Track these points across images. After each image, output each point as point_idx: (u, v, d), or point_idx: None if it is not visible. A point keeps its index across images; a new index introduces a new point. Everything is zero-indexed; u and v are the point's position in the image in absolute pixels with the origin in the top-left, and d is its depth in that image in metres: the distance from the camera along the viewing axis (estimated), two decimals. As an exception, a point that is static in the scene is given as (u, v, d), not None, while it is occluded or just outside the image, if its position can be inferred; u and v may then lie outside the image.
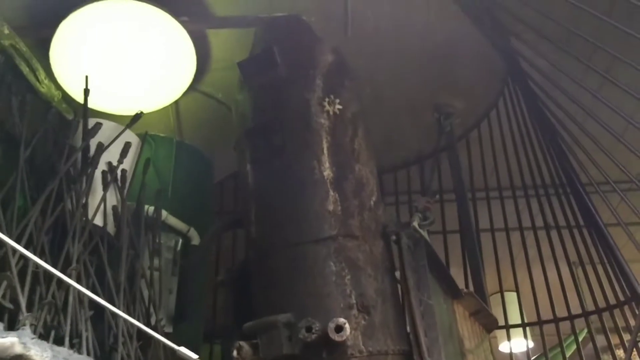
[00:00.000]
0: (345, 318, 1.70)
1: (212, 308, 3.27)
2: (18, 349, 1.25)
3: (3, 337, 1.38)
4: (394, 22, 2.97)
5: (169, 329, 2.41)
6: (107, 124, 2.35)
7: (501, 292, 3.47)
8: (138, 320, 2.08)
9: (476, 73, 3.20)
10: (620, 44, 2.00)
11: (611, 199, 2.56)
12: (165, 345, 2.15)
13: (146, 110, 2.66)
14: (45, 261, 1.75)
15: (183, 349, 1.11)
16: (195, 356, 1.10)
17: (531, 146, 3.35)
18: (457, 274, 3.34)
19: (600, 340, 2.99)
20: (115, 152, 2.33)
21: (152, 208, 2.52)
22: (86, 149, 2.11)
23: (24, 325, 1.56)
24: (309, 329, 1.68)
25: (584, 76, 2.16)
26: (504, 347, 4.21)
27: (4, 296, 1.62)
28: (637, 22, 1.92)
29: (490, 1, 2.40)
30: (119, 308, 1.94)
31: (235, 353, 1.74)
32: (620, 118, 2.07)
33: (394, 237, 2.02)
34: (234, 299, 2.29)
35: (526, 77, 2.69)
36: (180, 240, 2.67)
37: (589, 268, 3.01)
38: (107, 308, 1.25)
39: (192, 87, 2.89)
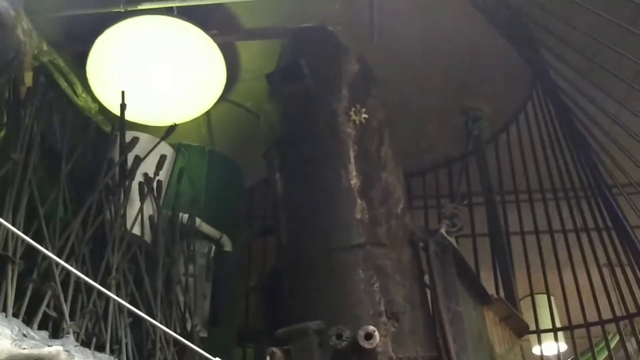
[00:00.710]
0: (374, 325, 1.75)
1: (245, 313, 3.34)
2: (63, 357, 1.31)
3: (49, 346, 1.46)
4: (420, 28, 3.00)
5: (204, 334, 2.48)
6: (142, 137, 2.43)
7: (532, 295, 3.46)
8: (175, 325, 2.16)
9: (504, 77, 3.20)
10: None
11: (636, 201, 2.56)
12: (200, 349, 2.24)
13: (179, 121, 2.74)
14: (86, 271, 1.84)
15: (218, 360, 1.16)
16: (230, 367, 1.15)
17: (560, 149, 3.33)
18: (487, 277, 3.35)
19: (632, 344, 2.96)
20: (150, 163, 2.41)
21: (185, 216, 2.60)
22: (124, 162, 2.19)
23: (68, 333, 1.65)
24: (339, 336, 1.73)
25: (611, 84, 2.16)
26: (535, 350, 4.19)
27: (48, 305, 1.70)
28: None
29: (516, 12, 2.42)
30: (157, 314, 2.02)
31: (268, 359, 1.79)
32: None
33: (421, 244, 2.05)
34: (265, 304, 2.35)
35: (553, 83, 2.70)
36: (214, 247, 2.74)
37: (618, 271, 2.99)
38: (145, 319, 1.32)
39: (222, 97, 2.96)
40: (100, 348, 1.77)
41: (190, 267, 2.44)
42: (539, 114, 3.39)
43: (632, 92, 2.03)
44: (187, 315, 2.32)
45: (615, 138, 2.43)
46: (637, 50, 1.96)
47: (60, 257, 1.73)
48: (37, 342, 1.46)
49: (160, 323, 2.02)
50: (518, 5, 2.47)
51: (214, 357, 2.28)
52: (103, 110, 2.80)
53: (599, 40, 1.99)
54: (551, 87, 2.70)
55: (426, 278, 2.06)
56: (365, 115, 2.29)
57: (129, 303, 1.97)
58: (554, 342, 3.38)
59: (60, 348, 1.24)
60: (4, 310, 1.52)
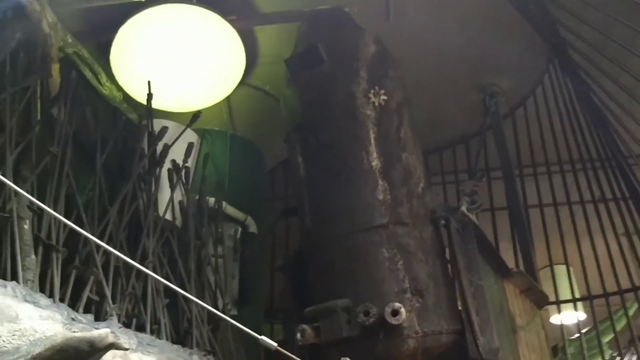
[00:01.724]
0: (399, 301, 1.83)
1: (270, 292, 3.45)
2: (111, 339, 1.40)
3: (96, 328, 1.56)
4: (435, 6, 3.02)
5: (234, 312, 2.58)
6: (168, 124, 2.51)
7: (551, 266, 3.52)
8: (208, 304, 2.25)
9: (520, 52, 3.22)
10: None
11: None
12: (232, 327, 2.34)
13: (202, 106, 2.81)
14: (125, 255, 1.93)
15: (264, 338, 1.24)
16: (274, 344, 1.23)
17: (577, 121, 3.36)
18: (506, 249, 3.42)
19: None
20: (177, 149, 2.49)
21: (212, 199, 2.68)
22: (154, 150, 2.27)
23: (111, 315, 1.75)
24: (366, 313, 1.81)
25: (626, 59, 2.18)
26: (554, 319, 4.26)
27: (90, 290, 1.80)
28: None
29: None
30: (191, 294, 2.11)
31: (299, 335, 1.88)
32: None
33: (443, 222, 2.11)
34: (291, 283, 2.44)
35: (571, 60, 2.72)
36: (240, 229, 2.83)
37: (636, 240, 3.04)
38: (190, 298, 1.40)
39: (242, 82, 3.02)
40: (140, 328, 1.87)
41: (219, 249, 2.53)
42: (557, 87, 3.40)
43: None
44: (218, 294, 2.42)
45: (630, 111, 2.46)
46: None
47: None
48: (85, 326, 1.56)
49: (194, 302, 2.12)
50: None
51: (244, 332, 2.39)
52: (127, 98, 2.88)
53: (614, 17, 2.01)
54: (569, 64, 2.72)
55: (448, 254, 2.13)
56: (384, 97, 2.32)
57: (165, 285, 2.08)
58: (573, 312, 3.45)
59: (108, 330, 1.32)
60: (51, 296, 1.62)
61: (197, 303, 2.12)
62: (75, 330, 1.49)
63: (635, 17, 2.00)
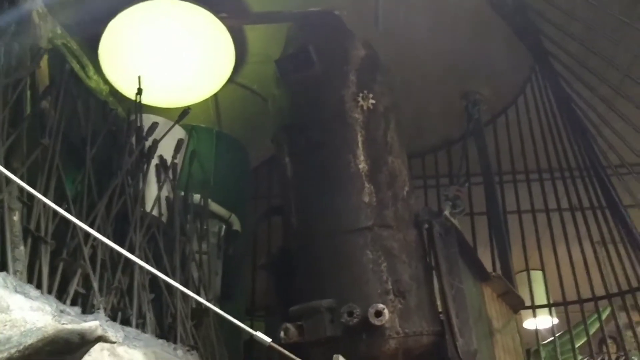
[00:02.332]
0: (382, 303, 1.87)
1: (252, 289, 3.47)
2: (100, 332, 1.41)
3: (84, 321, 1.57)
4: (423, 14, 3.07)
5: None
6: (156, 120, 2.52)
7: (527, 271, 3.60)
8: (191, 300, 2.27)
9: (504, 61, 3.28)
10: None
11: (628, 182, 2.69)
12: (215, 324, 2.36)
13: (190, 102, 2.82)
14: (111, 250, 1.94)
15: (259, 334, 1.27)
16: (269, 340, 1.26)
17: (557, 131, 3.44)
18: (484, 253, 3.49)
19: (622, 317, 3.12)
20: (165, 145, 2.50)
21: (197, 196, 2.70)
22: (142, 146, 2.28)
23: (98, 309, 1.76)
24: (350, 314, 1.85)
25: (606, 71, 2.26)
26: (528, 324, 4.36)
27: (77, 283, 1.81)
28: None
29: (520, 2, 2.50)
30: (175, 289, 2.13)
31: (282, 334, 1.91)
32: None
33: (426, 226, 2.16)
34: (274, 281, 2.47)
35: (553, 70, 2.79)
36: (224, 226, 2.85)
37: (611, 248, 3.13)
38: (179, 288, 1.42)
39: (230, 80, 3.04)
40: (125, 322, 1.88)
41: (204, 245, 2.55)
42: (538, 97, 3.49)
43: (626, 80, 2.13)
44: (202, 290, 2.43)
45: (609, 122, 2.55)
46: (631, 40, 2.06)
47: (87, 237, 1.83)
48: (74, 318, 1.57)
49: (179, 298, 2.14)
50: (522, -5, 2.55)
51: (225, 329, 2.42)
52: (113, 91, 2.88)
53: (596, 30, 2.09)
54: (551, 74, 2.79)
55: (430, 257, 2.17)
56: (373, 101, 2.36)
57: (150, 280, 2.09)
58: (547, 316, 3.54)
59: (97, 323, 1.33)
60: (39, 287, 1.62)
61: (182, 298, 2.15)
62: (64, 322, 1.50)
63: (616, 30, 2.07)
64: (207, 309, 2.32)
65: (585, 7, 2.12)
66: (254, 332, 1.26)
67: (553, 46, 2.60)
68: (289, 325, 1.94)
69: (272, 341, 1.58)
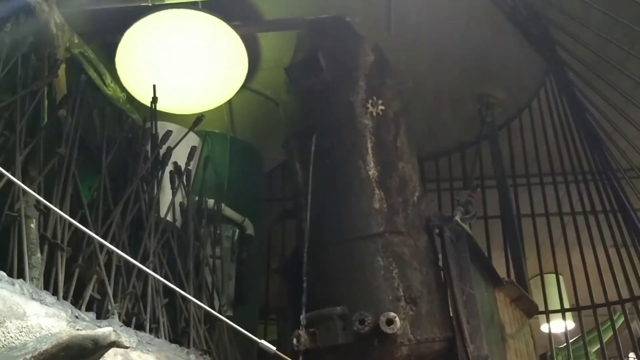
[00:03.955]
0: (393, 309, 1.88)
1: (266, 292, 3.50)
2: (114, 337, 1.44)
3: (98, 326, 1.61)
4: (435, 17, 3.08)
5: (230, 312, 2.63)
6: (171, 127, 2.56)
7: (541, 275, 3.59)
8: (205, 304, 2.30)
9: (517, 65, 3.28)
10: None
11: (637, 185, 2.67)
12: (228, 328, 2.39)
13: (204, 109, 2.86)
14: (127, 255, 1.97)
15: (263, 342, 1.29)
16: (273, 348, 1.28)
17: (570, 134, 3.43)
18: (498, 258, 3.48)
19: (637, 324, 3.09)
20: (179, 151, 2.53)
21: (211, 201, 2.73)
22: (157, 153, 2.32)
23: (113, 314, 1.80)
24: (362, 322, 1.86)
25: (618, 80, 2.26)
26: (544, 327, 4.32)
27: (92, 288, 1.85)
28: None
29: (534, 11, 2.50)
30: (189, 294, 2.15)
31: (294, 341, 1.93)
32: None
33: (437, 231, 2.16)
34: (287, 285, 2.49)
35: (566, 78, 2.79)
36: (237, 231, 2.88)
37: (624, 252, 3.11)
38: (191, 300, 1.45)
39: (244, 85, 3.07)
40: (139, 327, 1.91)
41: (217, 250, 2.58)
42: (552, 101, 3.47)
43: (638, 87, 2.13)
44: (215, 295, 2.46)
45: (620, 128, 2.53)
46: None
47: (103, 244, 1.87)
48: (88, 323, 1.60)
49: (192, 303, 2.16)
50: (535, 5, 2.54)
51: (239, 334, 2.44)
52: (130, 98, 2.93)
53: (608, 39, 2.08)
54: (565, 81, 2.79)
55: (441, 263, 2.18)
56: (382, 107, 2.37)
57: (164, 285, 2.12)
58: (561, 321, 3.52)
59: (111, 329, 1.37)
60: (55, 294, 1.66)
61: (195, 303, 2.17)
62: (79, 327, 1.54)
63: (627, 38, 2.07)
64: (220, 312, 2.35)
65: (597, 15, 2.11)
66: (258, 340, 1.28)
67: (566, 55, 2.59)
68: (301, 332, 1.96)
69: (282, 344, 1.60)
